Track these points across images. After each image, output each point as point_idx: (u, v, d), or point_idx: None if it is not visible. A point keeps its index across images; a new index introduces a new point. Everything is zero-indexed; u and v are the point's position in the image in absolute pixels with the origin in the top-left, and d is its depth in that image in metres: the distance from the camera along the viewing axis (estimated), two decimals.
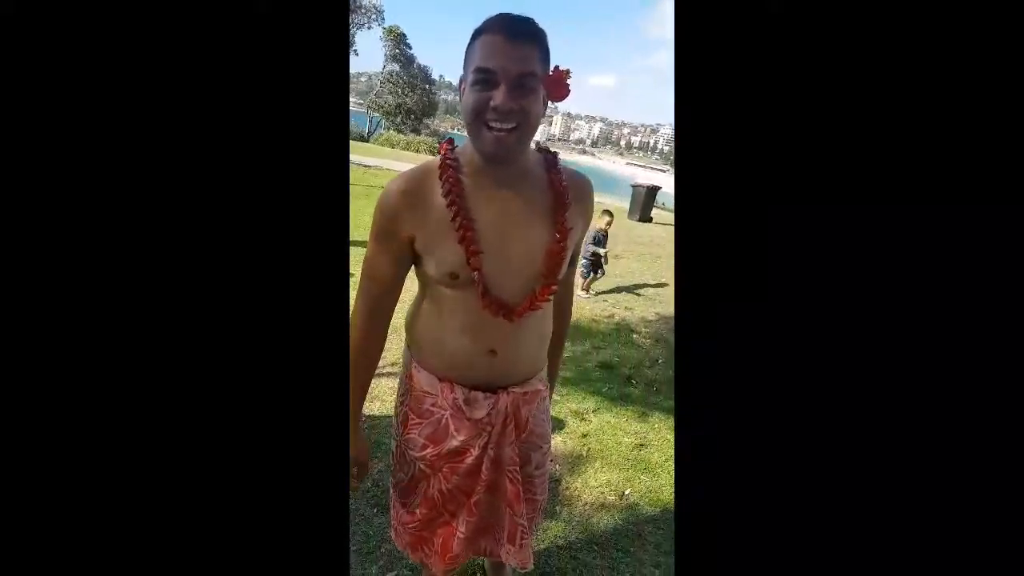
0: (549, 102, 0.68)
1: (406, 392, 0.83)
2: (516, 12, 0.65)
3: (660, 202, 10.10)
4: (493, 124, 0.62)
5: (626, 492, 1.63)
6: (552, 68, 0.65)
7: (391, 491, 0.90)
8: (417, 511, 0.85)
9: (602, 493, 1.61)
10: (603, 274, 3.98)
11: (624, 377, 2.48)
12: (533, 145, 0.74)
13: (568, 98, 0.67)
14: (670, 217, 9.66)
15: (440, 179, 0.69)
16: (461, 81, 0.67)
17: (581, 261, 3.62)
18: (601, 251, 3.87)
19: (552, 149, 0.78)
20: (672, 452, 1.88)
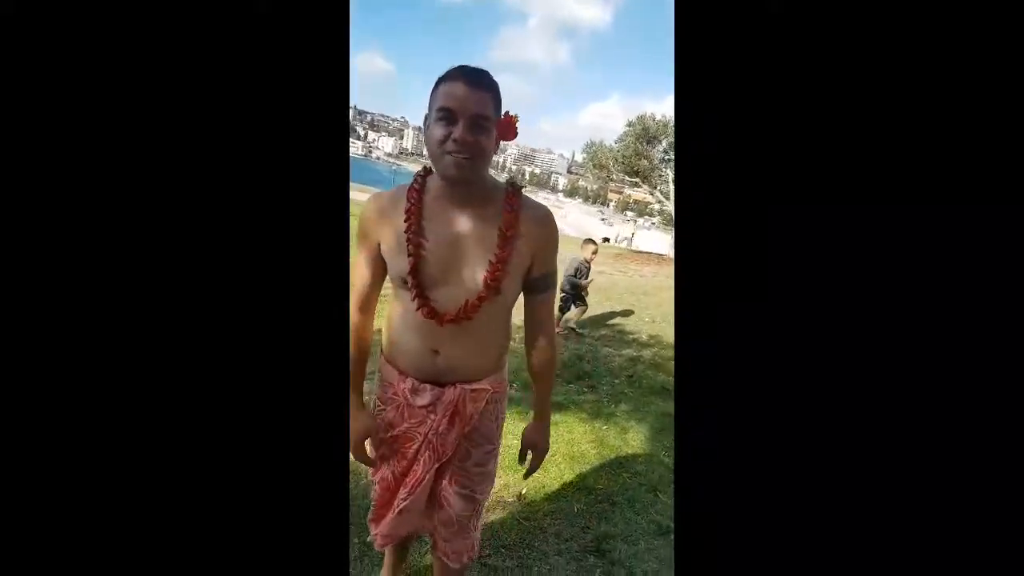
0: (501, 141, 0.82)
1: (377, 383, 0.95)
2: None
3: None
4: (452, 153, 0.73)
5: (523, 492, 1.70)
6: (504, 113, 0.79)
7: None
8: (378, 490, 0.96)
9: (501, 497, 1.65)
10: (584, 309, 3.69)
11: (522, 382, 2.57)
12: (502, 178, 0.88)
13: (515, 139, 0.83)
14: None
15: (407, 198, 0.82)
16: (426, 119, 0.78)
17: (559, 294, 3.31)
18: (582, 282, 3.57)
19: (518, 184, 0.88)
20: (557, 447, 2.01)
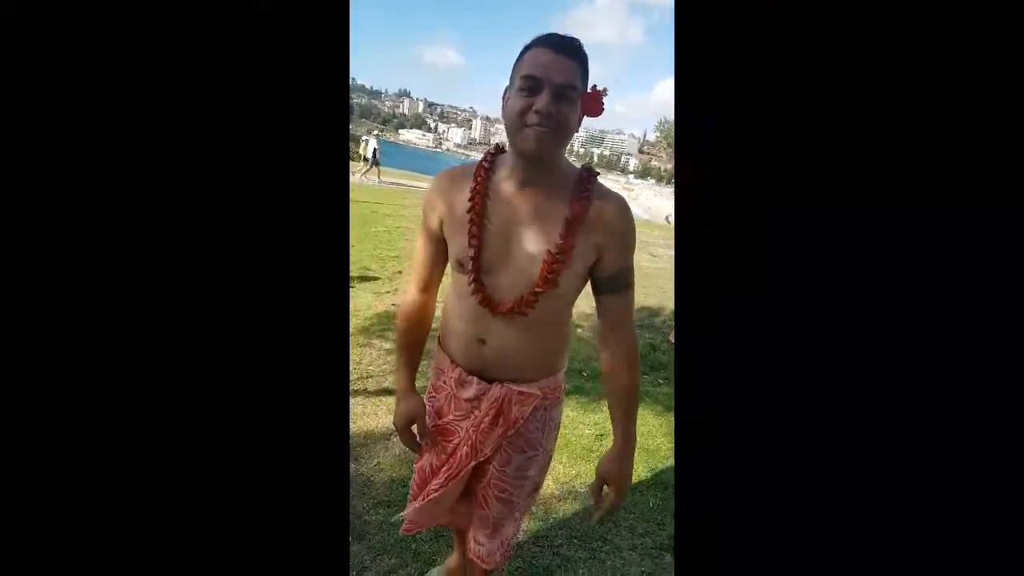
0: (584, 117, 0.73)
1: (433, 369, 0.93)
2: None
3: None
4: (533, 125, 0.68)
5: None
6: (590, 87, 0.71)
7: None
8: (415, 477, 0.95)
9: (573, 487, 1.64)
10: None
11: (575, 371, 2.54)
12: (578, 165, 0.79)
13: (601, 115, 0.72)
14: None
15: (474, 176, 0.78)
16: (506, 91, 0.73)
17: None
18: None
19: (596, 170, 0.79)
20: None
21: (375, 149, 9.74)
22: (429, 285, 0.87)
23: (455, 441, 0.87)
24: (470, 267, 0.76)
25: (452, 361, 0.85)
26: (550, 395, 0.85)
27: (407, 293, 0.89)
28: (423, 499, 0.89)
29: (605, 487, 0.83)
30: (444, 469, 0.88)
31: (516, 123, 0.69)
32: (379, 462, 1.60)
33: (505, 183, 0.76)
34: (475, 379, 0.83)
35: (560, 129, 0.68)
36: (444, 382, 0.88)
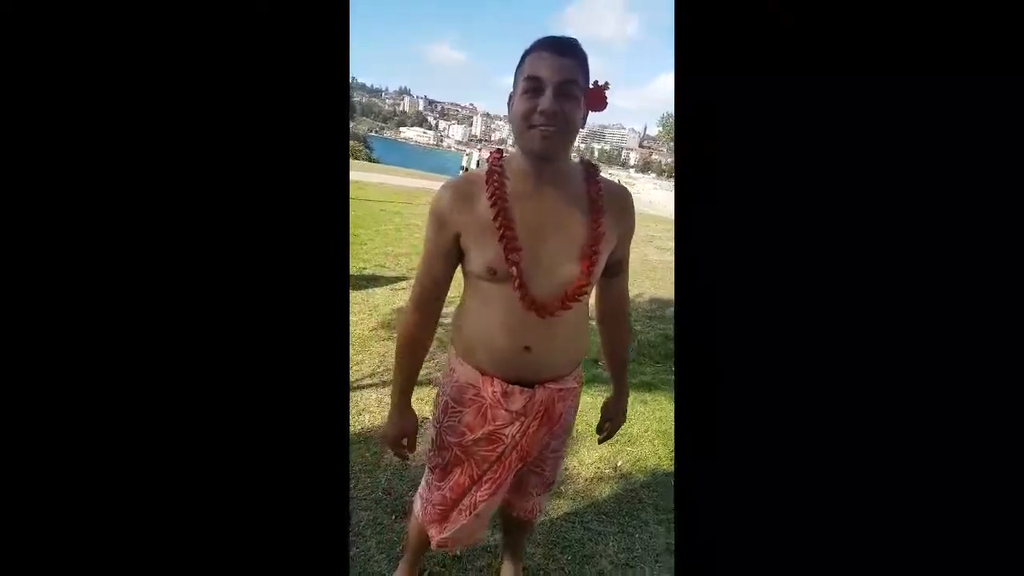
0: (589, 112, 0.76)
1: (447, 384, 0.89)
2: None
3: None
4: (539, 126, 0.69)
5: (618, 463, 1.75)
6: (592, 83, 0.74)
7: (427, 470, 0.96)
8: (447, 495, 0.92)
9: (598, 468, 1.71)
10: None
11: (592, 361, 2.61)
12: (576, 158, 0.82)
13: (604, 110, 0.75)
14: None
15: (487, 182, 0.76)
16: (510, 97, 0.75)
17: None
18: None
19: (593, 163, 0.84)
20: (649, 424, 2.03)
21: (479, 161, 9.78)
22: (435, 302, 0.84)
23: (499, 449, 0.86)
24: (514, 273, 0.74)
25: (485, 374, 0.83)
26: (580, 382, 0.91)
27: (409, 312, 0.85)
28: (466, 513, 0.90)
29: (608, 424, 1.04)
30: (488, 479, 0.88)
31: (522, 125, 0.71)
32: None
33: (521, 185, 0.76)
34: (518, 388, 0.82)
35: (566, 127, 0.70)
36: (476, 395, 0.85)
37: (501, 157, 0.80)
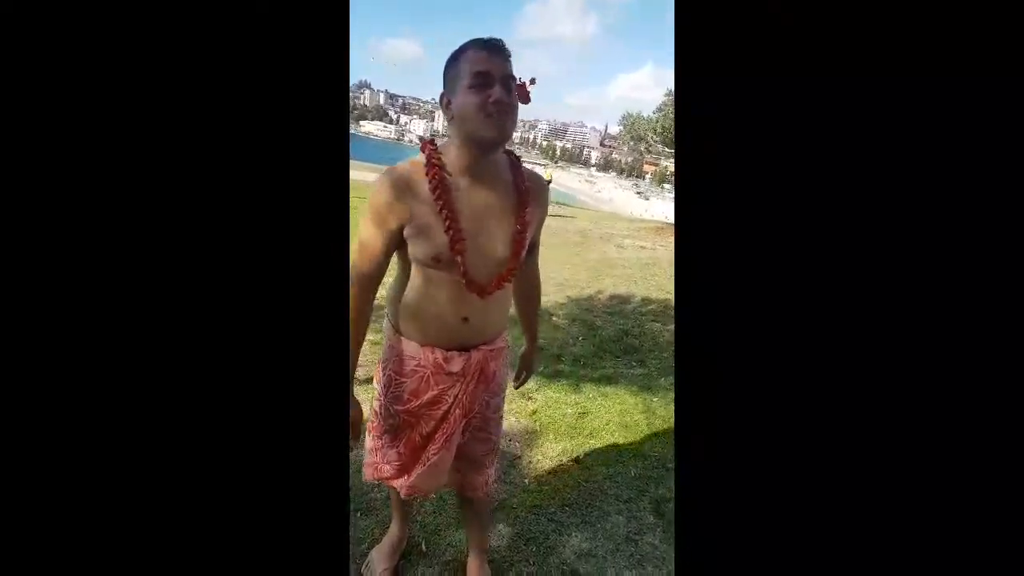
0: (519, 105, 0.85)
1: (389, 359, 0.98)
2: None
3: (552, 200, 10.60)
4: (494, 114, 0.77)
5: (580, 456, 1.79)
6: (518, 79, 0.83)
7: (369, 438, 1.06)
8: (401, 451, 1.02)
9: (560, 461, 1.75)
10: None
11: (554, 356, 2.66)
12: (533, 155, 0.92)
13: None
14: (559, 210, 10.14)
15: (427, 175, 0.82)
16: (443, 96, 0.81)
17: None
18: None
19: (515, 153, 0.93)
20: (610, 417, 2.09)
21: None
22: (373, 286, 0.90)
23: (443, 408, 0.96)
24: (459, 262, 0.82)
25: (425, 344, 0.92)
26: (506, 343, 1.04)
27: (354, 297, 0.89)
28: (423, 465, 1.00)
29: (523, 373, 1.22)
30: (439, 434, 0.98)
31: (476, 115, 0.76)
32: None
33: (460, 176, 0.83)
34: (456, 353, 0.93)
35: (514, 115, 0.79)
36: (417, 365, 0.93)
37: (436, 148, 0.84)
